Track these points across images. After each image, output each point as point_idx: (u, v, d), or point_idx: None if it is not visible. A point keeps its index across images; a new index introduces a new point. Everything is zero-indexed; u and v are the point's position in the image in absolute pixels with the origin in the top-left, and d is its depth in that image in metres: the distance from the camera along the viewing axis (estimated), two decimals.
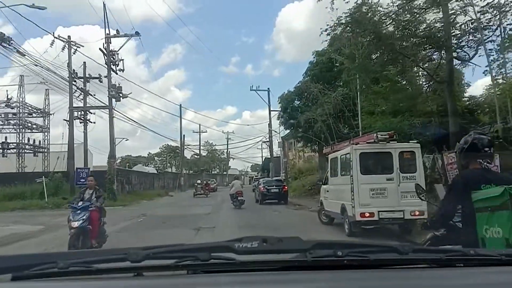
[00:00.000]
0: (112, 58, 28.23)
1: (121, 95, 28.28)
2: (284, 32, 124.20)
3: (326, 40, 18.63)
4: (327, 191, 12.22)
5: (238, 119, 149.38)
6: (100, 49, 27.79)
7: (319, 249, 1.39)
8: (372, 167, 10.26)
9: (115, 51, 27.84)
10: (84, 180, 27.85)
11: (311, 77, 26.31)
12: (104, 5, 27.83)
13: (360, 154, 9.95)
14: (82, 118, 33.59)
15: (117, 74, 29.08)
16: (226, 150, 78.01)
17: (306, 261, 1.36)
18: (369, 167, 10.17)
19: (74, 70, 29.41)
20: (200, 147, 69.69)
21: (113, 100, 29.00)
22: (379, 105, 20.32)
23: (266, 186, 23.94)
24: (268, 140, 47.20)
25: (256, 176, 69.01)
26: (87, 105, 33.27)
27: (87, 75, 31.37)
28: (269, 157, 47.53)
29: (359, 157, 9.91)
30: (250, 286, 1.31)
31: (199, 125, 63.60)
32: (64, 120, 32.60)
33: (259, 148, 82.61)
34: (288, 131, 30.93)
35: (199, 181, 38.23)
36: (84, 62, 32.77)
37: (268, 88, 47.75)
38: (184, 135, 53.67)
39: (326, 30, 16.68)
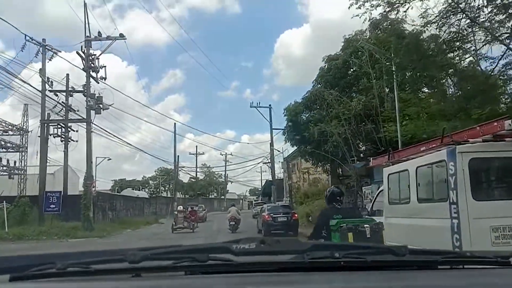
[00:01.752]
0: (92, 64, 23.85)
1: (101, 106, 23.75)
2: (283, 58, 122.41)
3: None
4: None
5: (237, 143, 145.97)
6: (77, 52, 23.51)
7: (316, 251, 1.39)
8: (494, 187, 5.67)
9: (94, 55, 23.47)
10: (54, 206, 23.22)
11: (323, 84, 21.91)
12: (85, 4, 23.73)
13: (470, 161, 5.30)
14: (62, 136, 29.34)
15: (98, 82, 24.70)
16: (224, 173, 73.24)
17: (304, 263, 1.35)
18: (489, 186, 5.59)
19: (48, 78, 25.04)
20: (196, 170, 64.94)
21: (94, 113, 24.47)
22: (424, 107, 15.69)
23: (271, 214, 19.22)
24: (269, 161, 42.59)
25: (255, 200, 64.13)
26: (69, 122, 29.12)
27: (71, 88, 27.22)
28: (271, 179, 42.80)
29: (468, 167, 5.25)
30: (247, 287, 1.26)
31: (196, 146, 58.99)
32: (39, 136, 27.95)
33: (258, 171, 78.67)
34: (294, 147, 26.25)
35: (180, 208, 24.73)
36: (67, 74, 28.62)
37: (270, 105, 43.94)
38: (178, 156, 49.04)
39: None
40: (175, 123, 50.80)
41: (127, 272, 1.33)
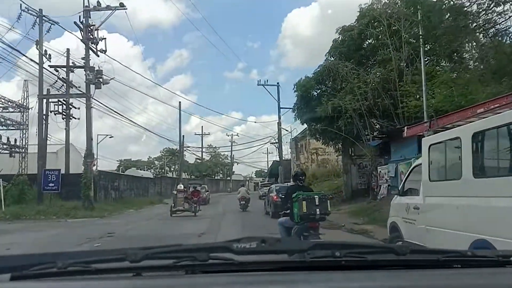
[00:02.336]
0: (90, 36, 22.49)
1: (101, 80, 22.47)
2: (290, 38, 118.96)
3: None
4: (416, 209, 6.36)
5: (243, 125, 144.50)
6: (75, 23, 22.13)
7: (317, 250, 1.39)
8: None
9: (93, 25, 22.07)
10: (53, 184, 22.18)
11: (337, 57, 20.42)
12: None
13: None
14: (64, 113, 28.20)
15: (97, 55, 23.37)
16: (230, 154, 72.13)
17: (305, 262, 1.36)
18: None
19: (46, 51, 23.74)
20: (202, 150, 63.87)
21: (94, 87, 23.22)
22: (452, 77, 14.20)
23: (281, 195, 17.94)
24: (276, 141, 41.27)
25: (262, 181, 63.02)
26: (70, 100, 27.95)
27: (72, 64, 25.92)
28: (278, 160, 41.58)
29: None
30: (248, 287, 1.28)
31: (202, 126, 57.78)
32: (38, 113, 26.77)
33: (264, 152, 77.40)
34: (304, 126, 24.79)
35: (180, 186, 21.54)
36: (68, 49, 27.33)
37: (278, 83, 42.55)
38: (183, 136, 47.85)
39: None
40: (180, 102, 48.78)
41: (127, 271, 1.32)
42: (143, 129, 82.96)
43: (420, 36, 13.07)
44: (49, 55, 24.03)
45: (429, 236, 5.95)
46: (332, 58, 21.20)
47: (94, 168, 22.49)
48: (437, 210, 5.85)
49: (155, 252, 1.38)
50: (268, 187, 40.21)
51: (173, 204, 20.34)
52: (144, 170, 55.49)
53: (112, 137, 35.10)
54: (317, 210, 7.06)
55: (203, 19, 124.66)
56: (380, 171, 18.17)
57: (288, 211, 7.45)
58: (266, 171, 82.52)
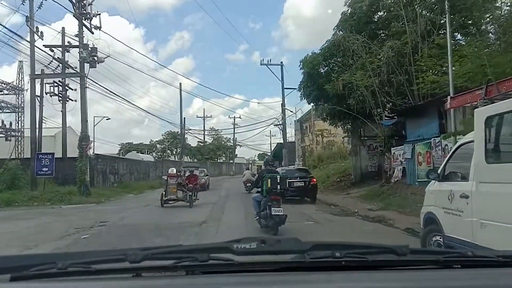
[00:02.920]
0: (84, 11, 21.03)
1: (95, 58, 21.09)
2: (292, 19, 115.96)
3: None
4: (464, 198, 5.12)
5: (246, 108, 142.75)
6: None
7: (317, 250, 1.38)
8: None
9: None
10: (47, 169, 21.01)
11: (346, 30, 18.96)
12: None
13: None
14: (60, 94, 26.94)
15: (92, 32, 21.93)
16: (232, 136, 70.77)
17: (305, 262, 1.36)
18: None
19: (37, 28, 22.28)
20: (204, 133, 62.53)
21: (88, 66, 21.84)
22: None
23: (287, 178, 16.73)
24: (280, 123, 39.86)
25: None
26: (66, 81, 26.67)
27: (68, 43, 24.43)
28: (282, 142, 40.27)
29: None
30: (248, 287, 1.29)
31: (203, 109, 56.35)
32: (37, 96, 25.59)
33: (267, 135, 75.98)
34: (311, 106, 23.45)
35: (172, 170, 17.65)
36: (63, 28, 25.81)
37: (281, 62, 41.04)
38: (184, 118, 46.58)
39: None
40: (180, 83, 46.73)
41: (127, 272, 1.32)
42: (143, 111, 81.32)
43: (446, 2, 11.61)
44: (41, 32, 22.56)
45: (483, 232, 4.72)
46: (341, 32, 19.74)
47: (90, 151, 21.27)
48: (495, 199, 4.60)
49: (155, 253, 1.38)
50: None
51: (163, 192, 17.01)
52: (145, 154, 54.21)
53: (109, 119, 33.82)
54: (278, 186, 9.22)
55: (202, 1, 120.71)
56: (393, 153, 16.91)
57: (259, 188, 9.63)
58: (269, 154, 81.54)
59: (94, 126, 34.22)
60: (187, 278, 1.34)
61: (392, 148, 17.10)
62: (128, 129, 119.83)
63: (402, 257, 1.41)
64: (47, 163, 20.50)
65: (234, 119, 64.94)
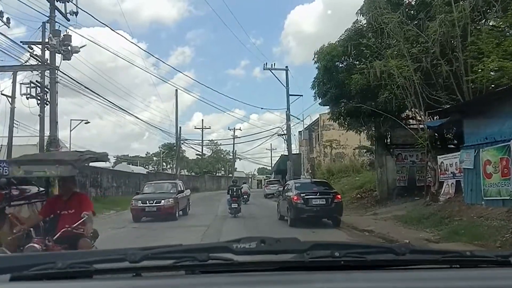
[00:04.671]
0: None
1: (69, 48, 17.31)
2: (293, 35, 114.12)
3: None
4: None
5: (246, 122, 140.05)
6: None
7: (316, 250, 1.37)
8: None
9: None
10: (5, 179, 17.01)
11: (374, 14, 15.17)
12: None
13: None
14: (38, 97, 23.12)
15: (67, 20, 18.20)
16: (232, 149, 66.78)
17: (304, 262, 1.34)
18: None
19: (1, 12, 18.51)
20: (202, 145, 58.61)
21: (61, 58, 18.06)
22: None
23: (303, 194, 12.73)
24: (284, 133, 35.89)
25: (266, 178, 57.75)
26: (48, 81, 23.05)
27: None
28: (286, 154, 36.28)
29: None
30: (248, 287, 1.27)
31: (202, 120, 52.53)
32: (3, 94, 22.14)
33: (268, 149, 72.11)
34: (327, 107, 19.55)
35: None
36: (44, 23, 22.01)
37: (287, 66, 37.54)
38: (180, 127, 42.69)
39: None
40: (176, 90, 42.71)
41: (127, 272, 1.31)
42: (140, 120, 76.82)
43: None
44: (8, 18, 18.79)
45: None
46: (364, 20, 16.05)
47: None
48: None
49: (155, 253, 1.36)
50: (278, 184, 35.11)
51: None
52: (138, 166, 50.07)
53: (88, 122, 29.75)
54: (235, 193, 17.04)
55: (204, 17, 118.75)
56: (441, 162, 12.96)
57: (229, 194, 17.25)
58: (269, 168, 77.87)
59: (70, 130, 30.38)
60: (187, 277, 1.32)
61: (439, 157, 13.15)
62: (128, 142, 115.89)
63: (401, 257, 1.38)
64: (4, 171, 16.52)
65: (234, 130, 61.11)
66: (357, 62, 15.50)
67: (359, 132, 18.46)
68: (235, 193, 16.87)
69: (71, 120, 29.96)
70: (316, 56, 17.47)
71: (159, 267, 1.33)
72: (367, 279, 1.28)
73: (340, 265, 1.34)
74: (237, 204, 16.63)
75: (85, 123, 29.98)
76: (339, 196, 13.24)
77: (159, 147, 73.56)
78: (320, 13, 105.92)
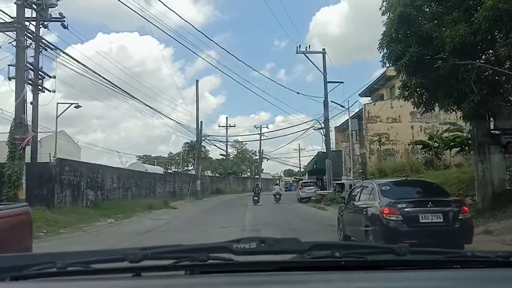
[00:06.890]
0: None
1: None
2: (318, 37, 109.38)
3: None
4: None
5: (271, 124, 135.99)
6: None
7: (317, 250, 1.34)
8: None
9: None
10: None
11: None
12: None
13: None
14: (30, 81, 18.73)
15: None
16: (259, 149, 61.66)
17: (304, 262, 1.33)
18: None
19: None
20: (226, 143, 53.77)
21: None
22: None
23: (402, 205, 7.26)
24: (322, 126, 30.35)
25: (298, 179, 52.32)
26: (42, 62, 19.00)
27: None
28: (324, 150, 30.75)
29: None
30: (248, 287, 1.26)
31: (226, 117, 47.72)
32: None
33: (296, 149, 66.75)
34: (400, 76, 13.89)
35: None
36: None
37: (324, 49, 32.34)
38: (201, 122, 37.90)
39: None
40: (197, 80, 38.31)
41: (127, 272, 1.29)
42: (164, 116, 72.58)
43: None
44: None
45: None
46: None
47: (27, 147, 12.47)
48: None
49: (154, 252, 1.34)
50: (314, 187, 29.61)
51: None
52: (155, 165, 45.26)
53: (80, 106, 24.89)
54: (258, 191, 28.56)
55: (229, 21, 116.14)
56: None
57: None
58: (296, 170, 72.51)
59: (57, 117, 25.66)
60: (187, 277, 1.31)
61: None
62: (155, 146, 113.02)
63: (402, 257, 1.36)
64: None
65: (261, 128, 55.96)
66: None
67: (450, 111, 12.77)
68: (256, 191, 27.78)
69: (57, 103, 25.31)
70: (385, 2, 12.03)
71: (159, 267, 1.31)
72: (367, 279, 1.27)
73: (340, 265, 1.32)
74: (257, 198, 27.05)
75: (75, 107, 25.23)
76: (465, 208, 7.71)
77: (182, 147, 69.36)
78: (345, 15, 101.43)
